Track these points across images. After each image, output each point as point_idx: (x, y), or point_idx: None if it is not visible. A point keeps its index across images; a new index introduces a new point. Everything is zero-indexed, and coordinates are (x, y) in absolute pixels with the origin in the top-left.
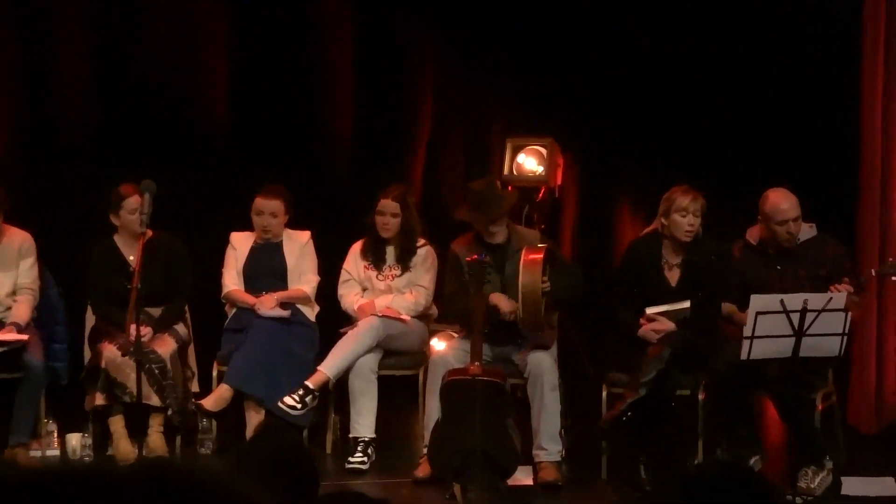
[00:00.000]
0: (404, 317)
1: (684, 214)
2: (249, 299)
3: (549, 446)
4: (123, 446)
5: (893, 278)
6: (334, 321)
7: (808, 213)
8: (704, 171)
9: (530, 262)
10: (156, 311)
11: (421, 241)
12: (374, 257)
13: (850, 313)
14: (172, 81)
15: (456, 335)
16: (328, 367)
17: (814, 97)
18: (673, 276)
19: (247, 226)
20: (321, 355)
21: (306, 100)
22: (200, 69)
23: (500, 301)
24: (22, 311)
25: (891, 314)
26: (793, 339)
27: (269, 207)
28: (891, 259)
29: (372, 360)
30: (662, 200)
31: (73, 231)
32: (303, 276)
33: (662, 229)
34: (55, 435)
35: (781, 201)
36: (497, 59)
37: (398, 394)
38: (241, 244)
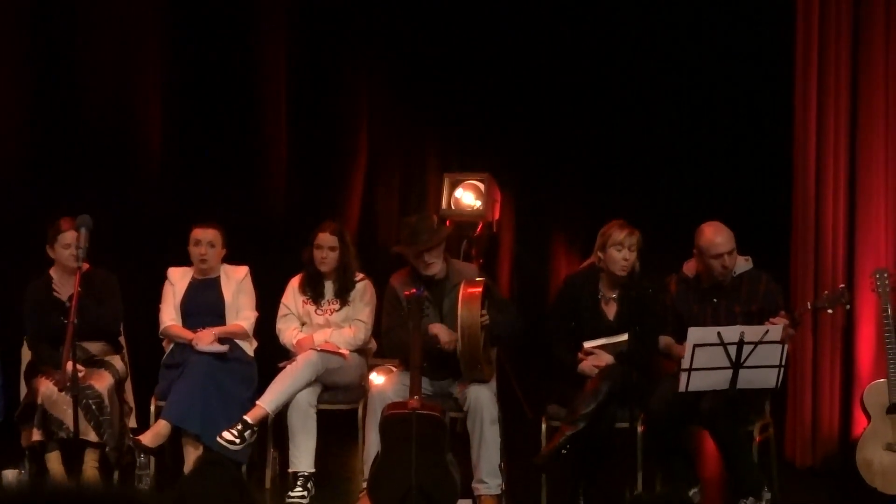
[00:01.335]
0: (343, 351)
1: (620, 249)
2: (187, 335)
3: (489, 480)
4: (61, 481)
5: (828, 311)
6: (273, 356)
7: (744, 246)
8: (640, 206)
9: (469, 297)
10: (91, 346)
11: (359, 276)
12: (313, 292)
13: (786, 345)
14: (107, 114)
15: (395, 369)
16: (267, 402)
17: (747, 132)
18: (610, 310)
19: (183, 261)
20: (259, 390)
21: (241, 135)
22: (135, 103)
23: (440, 331)
24: None
25: (826, 347)
26: (730, 371)
27: (206, 237)
28: (826, 292)
29: (310, 395)
30: (599, 235)
31: (6, 265)
32: (241, 312)
33: (599, 263)
34: None
35: (716, 235)
36: (433, 94)
37: (337, 428)
38: (178, 280)
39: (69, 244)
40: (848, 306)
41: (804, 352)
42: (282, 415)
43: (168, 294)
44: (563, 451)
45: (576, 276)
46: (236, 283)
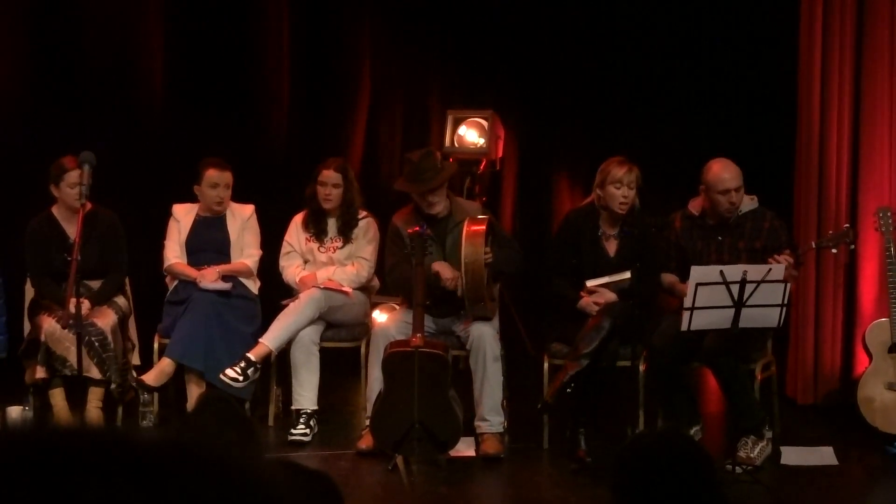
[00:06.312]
0: (346, 289)
1: (619, 186)
2: (191, 272)
3: (492, 417)
4: (64, 420)
5: (832, 251)
6: (276, 294)
7: (749, 186)
8: (644, 143)
9: (472, 234)
10: (94, 285)
11: (362, 213)
12: (316, 229)
13: (789, 284)
14: (109, 51)
15: (398, 307)
16: (270, 340)
17: (752, 69)
18: (611, 247)
19: (186, 198)
20: (263, 328)
21: (244, 71)
22: (137, 39)
23: (443, 268)
24: None
25: (829, 286)
26: (733, 310)
27: (223, 179)
28: (830, 232)
29: (313, 333)
30: (598, 172)
31: (9, 204)
32: (245, 250)
33: (598, 200)
34: None
35: (724, 171)
36: (436, 30)
37: (340, 366)
38: (183, 216)
39: (75, 182)
40: (852, 246)
41: (807, 290)
42: (285, 352)
43: (173, 231)
44: (569, 390)
45: (576, 212)
46: (242, 221)
